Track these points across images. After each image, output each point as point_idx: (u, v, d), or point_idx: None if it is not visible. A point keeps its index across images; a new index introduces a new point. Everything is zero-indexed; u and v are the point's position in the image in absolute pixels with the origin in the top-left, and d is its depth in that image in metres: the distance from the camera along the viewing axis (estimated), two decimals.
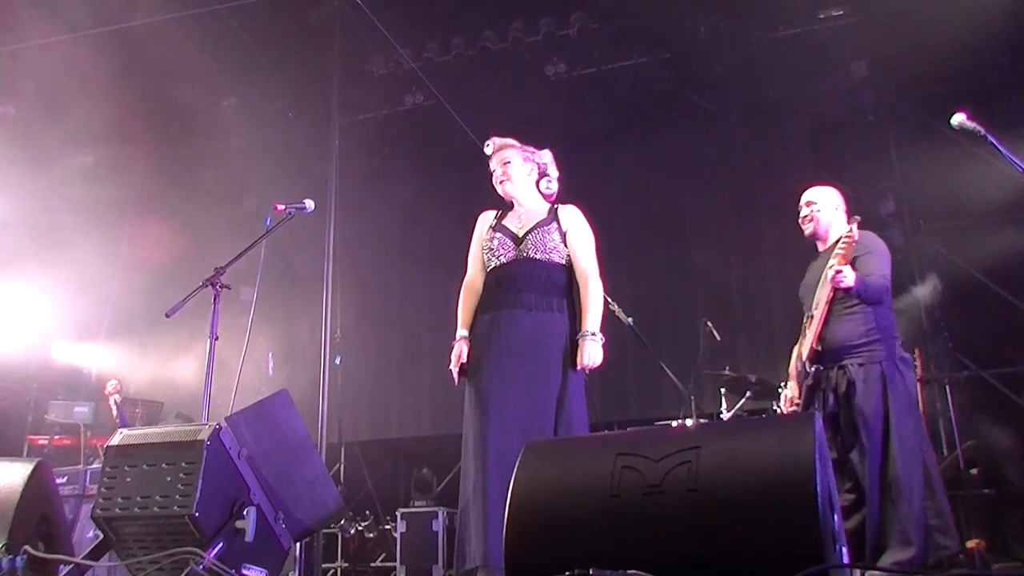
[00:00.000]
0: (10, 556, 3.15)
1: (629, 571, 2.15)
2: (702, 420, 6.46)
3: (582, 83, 8.79)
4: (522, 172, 4.19)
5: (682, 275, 8.54)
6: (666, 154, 9.12)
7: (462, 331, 4.03)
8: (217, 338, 4.63)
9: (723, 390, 6.49)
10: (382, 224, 9.51)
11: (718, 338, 6.61)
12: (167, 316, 4.71)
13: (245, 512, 3.24)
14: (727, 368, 6.51)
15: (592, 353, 3.82)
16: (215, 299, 4.73)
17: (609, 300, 5.66)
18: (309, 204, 4.98)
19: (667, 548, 2.21)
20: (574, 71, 8.72)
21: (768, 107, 8.61)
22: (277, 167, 8.80)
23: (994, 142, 3.55)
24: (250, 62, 8.30)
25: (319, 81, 8.25)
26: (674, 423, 6.06)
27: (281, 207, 4.95)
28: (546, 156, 4.28)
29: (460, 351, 3.96)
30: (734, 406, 6.41)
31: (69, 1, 7.38)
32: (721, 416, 6.34)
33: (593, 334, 3.85)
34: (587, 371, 3.89)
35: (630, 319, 5.81)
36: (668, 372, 6.51)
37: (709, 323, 6.67)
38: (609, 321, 5.75)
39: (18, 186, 8.30)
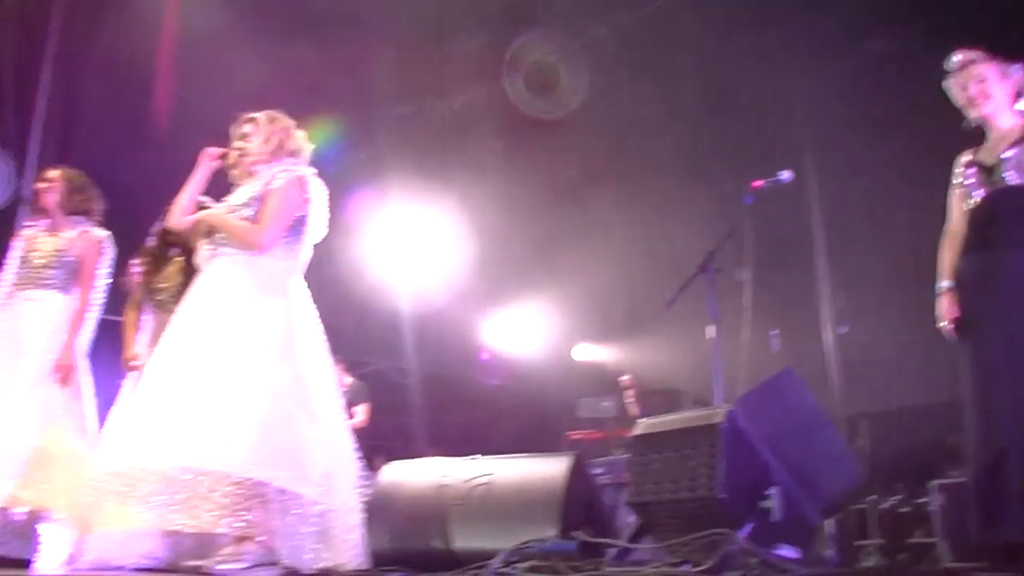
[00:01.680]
0: (564, 541, 3.48)
1: None
2: None
3: None
4: (1000, 91, 3.63)
5: None
6: None
7: (942, 283, 3.64)
8: (719, 321, 4.71)
9: None
10: (869, 180, 8.96)
11: None
12: (667, 307, 4.93)
13: (770, 491, 3.25)
14: None
15: None
16: (711, 284, 4.82)
17: None
18: (786, 175, 4.88)
19: None
20: None
21: None
22: (741, 143, 8.70)
23: None
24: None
25: None
26: None
27: (759, 183, 4.91)
28: (1020, 72, 3.66)
29: (946, 305, 3.59)
30: None
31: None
32: None
33: None
34: None
35: None
36: None
37: None
38: None
39: (522, 200, 9.23)
